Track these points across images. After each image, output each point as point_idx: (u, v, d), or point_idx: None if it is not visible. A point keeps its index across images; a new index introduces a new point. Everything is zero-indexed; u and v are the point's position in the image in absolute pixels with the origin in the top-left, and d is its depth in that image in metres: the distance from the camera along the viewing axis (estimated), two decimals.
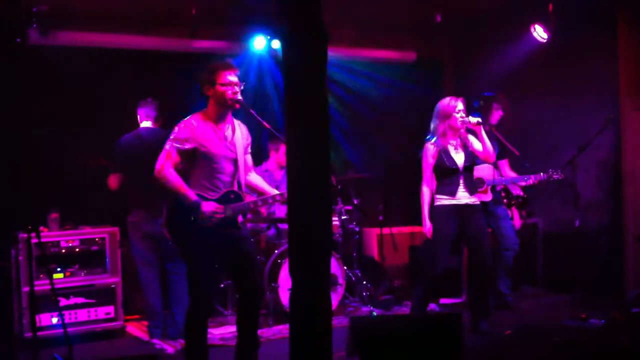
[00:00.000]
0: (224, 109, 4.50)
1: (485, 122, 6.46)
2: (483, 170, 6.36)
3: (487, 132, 6.48)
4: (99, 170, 5.99)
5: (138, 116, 6.00)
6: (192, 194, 4.37)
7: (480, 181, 6.34)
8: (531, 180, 6.33)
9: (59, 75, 6.48)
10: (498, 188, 6.50)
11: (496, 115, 6.61)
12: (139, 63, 7.00)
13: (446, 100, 5.56)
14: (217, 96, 4.47)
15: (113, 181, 5.88)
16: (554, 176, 6.26)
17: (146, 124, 5.95)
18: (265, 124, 4.66)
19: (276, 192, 4.73)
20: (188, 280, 4.52)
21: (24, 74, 6.38)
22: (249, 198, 4.68)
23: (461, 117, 5.50)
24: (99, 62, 6.70)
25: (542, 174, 6.30)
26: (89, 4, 6.39)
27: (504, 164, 6.75)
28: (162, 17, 6.87)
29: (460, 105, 5.51)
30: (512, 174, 6.70)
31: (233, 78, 4.48)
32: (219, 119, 4.52)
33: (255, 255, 4.88)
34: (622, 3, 6.75)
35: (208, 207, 4.38)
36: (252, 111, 4.61)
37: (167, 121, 5.97)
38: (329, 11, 3.29)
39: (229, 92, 4.44)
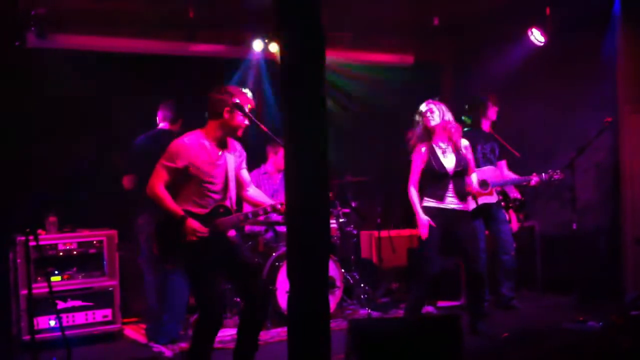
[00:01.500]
0: (228, 134, 4.58)
1: (482, 120, 6.52)
2: (486, 172, 6.38)
3: (487, 134, 6.54)
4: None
5: (157, 117, 6.02)
6: (178, 210, 4.43)
7: (485, 183, 6.36)
8: (533, 181, 6.34)
9: (57, 78, 6.48)
10: (497, 190, 6.51)
11: (492, 110, 6.64)
12: (137, 66, 6.99)
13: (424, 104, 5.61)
14: (231, 122, 4.52)
15: (127, 182, 5.89)
16: (555, 176, 6.28)
17: (162, 125, 5.96)
18: (263, 127, 4.67)
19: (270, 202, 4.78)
20: (193, 292, 4.59)
21: (22, 76, 6.39)
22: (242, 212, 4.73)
23: (430, 117, 5.50)
24: (96, 65, 6.68)
25: (543, 174, 6.31)
26: (87, 7, 6.38)
27: (503, 164, 6.77)
28: (161, 21, 6.87)
29: (430, 106, 5.51)
30: (510, 175, 6.72)
31: (249, 108, 4.55)
32: (218, 138, 4.57)
33: (255, 262, 4.90)
34: (623, 6, 6.76)
35: (191, 224, 4.42)
36: (250, 115, 4.62)
37: (185, 122, 5.96)
38: (326, 14, 3.29)
39: (245, 123, 4.54)
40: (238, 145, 4.74)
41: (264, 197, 4.89)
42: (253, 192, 4.86)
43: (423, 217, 5.49)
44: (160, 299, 5.78)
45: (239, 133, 4.58)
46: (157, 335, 5.73)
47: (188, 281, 4.59)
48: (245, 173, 4.78)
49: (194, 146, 4.50)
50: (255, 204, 4.84)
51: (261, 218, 6.69)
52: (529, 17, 7.19)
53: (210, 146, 4.53)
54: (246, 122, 4.55)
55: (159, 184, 4.48)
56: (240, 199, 4.86)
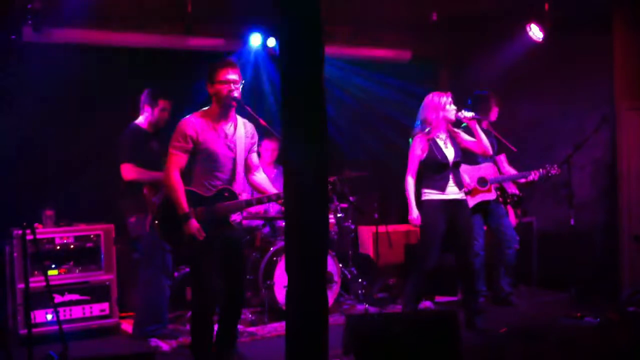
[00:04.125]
0: (223, 107, 4.54)
1: (484, 118, 6.49)
2: (485, 169, 6.38)
3: (484, 130, 6.53)
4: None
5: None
6: (185, 206, 4.40)
7: (483, 180, 6.36)
8: (531, 176, 6.36)
9: (54, 72, 6.45)
10: (495, 186, 6.51)
11: (494, 111, 6.65)
12: (134, 60, 6.97)
13: (435, 95, 5.56)
14: (216, 94, 4.52)
15: None
16: (552, 171, 6.31)
17: (138, 120, 5.87)
18: (261, 121, 4.67)
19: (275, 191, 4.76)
20: (191, 275, 4.67)
21: (18, 70, 6.37)
22: (246, 197, 4.69)
23: (454, 109, 5.49)
24: (93, 59, 6.66)
25: (540, 169, 6.33)
26: (83, 0, 6.35)
27: (502, 158, 6.79)
28: (158, 14, 6.84)
29: (450, 99, 5.51)
30: (510, 169, 6.73)
31: (231, 76, 4.51)
32: (220, 116, 4.56)
33: (244, 258, 4.93)
34: (619, 4, 6.77)
35: (192, 227, 4.40)
36: (247, 108, 4.63)
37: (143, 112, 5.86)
38: (324, 9, 3.28)
39: (225, 90, 4.48)
40: (251, 128, 4.72)
41: (269, 185, 4.85)
42: (259, 177, 4.83)
43: (415, 211, 5.48)
44: (141, 299, 5.72)
45: (228, 102, 4.51)
46: (144, 335, 5.69)
47: (189, 267, 4.59)
48: (254, 157, 4.77)
49: (200, 123, 4.50)
50: (259, 190, 4.83)
51: (262, 209, 6.70)
52: (527, 14, 7.18)
53: (216, 124, 4.53)
54: (225, 89, 4.47)
55: (174, 171, 4.45)
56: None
